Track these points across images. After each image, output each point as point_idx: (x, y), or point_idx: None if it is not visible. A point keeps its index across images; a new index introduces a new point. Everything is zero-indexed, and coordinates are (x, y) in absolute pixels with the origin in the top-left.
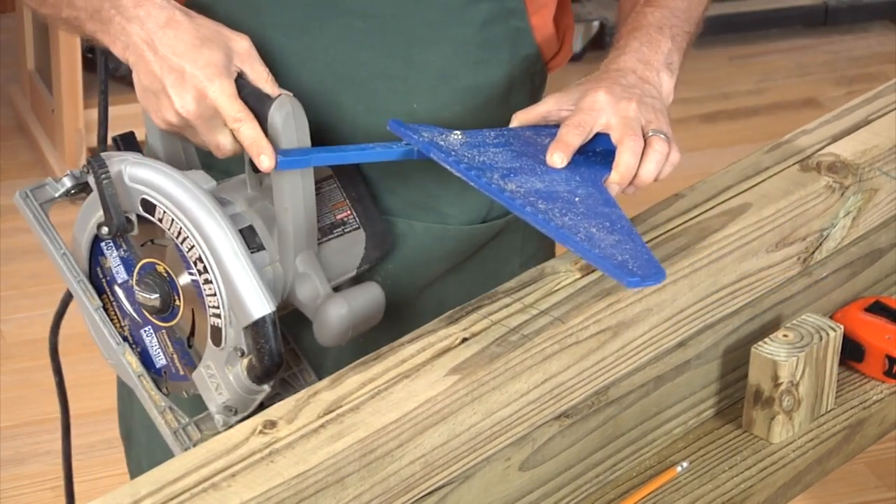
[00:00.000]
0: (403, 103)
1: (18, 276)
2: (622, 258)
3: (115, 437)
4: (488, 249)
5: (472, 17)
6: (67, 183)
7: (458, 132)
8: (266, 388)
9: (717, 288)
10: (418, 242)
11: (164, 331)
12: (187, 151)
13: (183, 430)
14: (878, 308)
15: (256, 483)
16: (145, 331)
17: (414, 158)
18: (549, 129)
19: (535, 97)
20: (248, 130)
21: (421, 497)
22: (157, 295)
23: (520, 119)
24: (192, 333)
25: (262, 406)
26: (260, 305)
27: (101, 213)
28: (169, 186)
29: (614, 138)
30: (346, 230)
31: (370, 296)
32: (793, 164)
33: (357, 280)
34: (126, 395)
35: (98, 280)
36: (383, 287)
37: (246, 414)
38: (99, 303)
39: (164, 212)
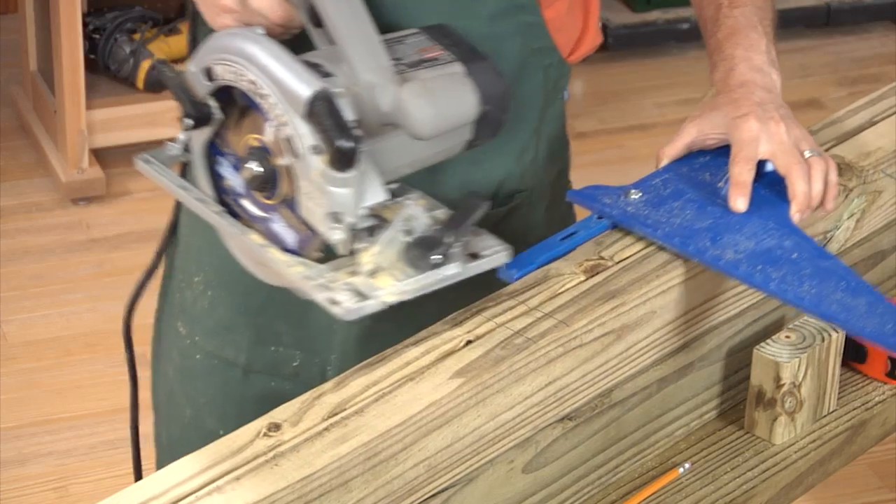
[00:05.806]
0: None
1: (20, 277)
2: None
3: (116, 438)
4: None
5: (479, 12)
6: (181, 136)
7: (633, 190)
8: (353, 172)
9: (722, 290)
10: None
11: (281, 206)
12: None
13: (316, 273)
14: None
15: (261, 486)
16: (272, 220)
17: (611, 229)
18: (700, 159)
19: (548, 89)
20: None
21: (425, 500)
22: (257, 162)
23: (668, 155)
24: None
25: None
26: (305, 86)
27: (204, 134)
28: (216, 41)
29: (779, 167)
30: (437, 63)
31: (451, 79)
32: None
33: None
34: (157, 365)
35: (230, 206)
36: None
37: (352, 221)
38: (219, 207)
39: (220, 63)
